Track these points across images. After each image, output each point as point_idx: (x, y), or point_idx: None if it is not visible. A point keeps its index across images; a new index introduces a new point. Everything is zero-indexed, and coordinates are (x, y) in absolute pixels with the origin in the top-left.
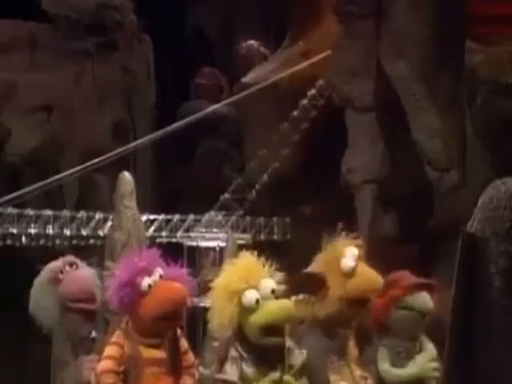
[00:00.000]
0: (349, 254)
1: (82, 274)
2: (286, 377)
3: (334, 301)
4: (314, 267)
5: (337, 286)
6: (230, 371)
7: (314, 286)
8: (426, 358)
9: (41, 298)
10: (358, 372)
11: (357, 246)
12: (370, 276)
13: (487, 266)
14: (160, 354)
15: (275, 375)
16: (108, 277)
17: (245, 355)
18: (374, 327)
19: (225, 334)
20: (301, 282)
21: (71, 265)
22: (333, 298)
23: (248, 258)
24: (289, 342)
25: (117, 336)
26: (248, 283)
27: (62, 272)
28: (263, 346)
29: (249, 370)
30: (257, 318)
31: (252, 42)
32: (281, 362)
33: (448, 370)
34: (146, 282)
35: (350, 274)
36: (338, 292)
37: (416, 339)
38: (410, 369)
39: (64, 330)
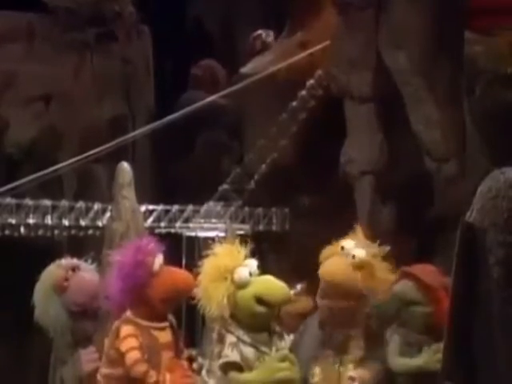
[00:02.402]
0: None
1: (86, 278)
2: (290, 355)
3: None
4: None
5: None
6: (231, 354)
7: None
8: (433, 350)
9: (46, 306)
10: (350, 373)
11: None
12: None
13: (486, 256)
14: (170, 337)
15: (283, 353)
16: (110, 264)
17: (243, 337)
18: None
19: (218, 319)
20: None
21: (73, 269)
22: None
23: (226, 246)
24: (277, 327)
25: (126, 329)
26: (237, 261)
27: (66, 279)
28: (259, 318)
29: (248, 351)
30: (253, 290)
31: (260, 31)
32: (277, 336)
33: (447, 360)
34: (158, 261)
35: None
36: None
37: (424, 329)
38: (416, 360)
39: (69, 332)
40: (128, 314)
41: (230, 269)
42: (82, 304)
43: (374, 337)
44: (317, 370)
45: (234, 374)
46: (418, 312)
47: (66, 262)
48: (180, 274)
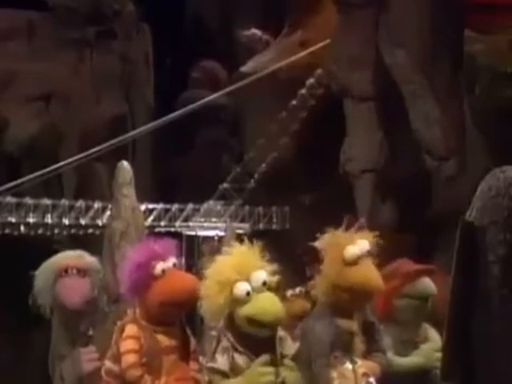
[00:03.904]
0: (359, 243)
1: (77, 284)
2: (282, 371)
3: (329, 287)
4: (318, 244)
5: (333, 270)
6: (221, 360)
7: (309, 257)
8: (431, 348)
9: (42, 286)
10: (361, 370)
11: (369, 241)
12: (371, 271)
13: (485, 254)
14: (175, 341)
15: (266, 358)
16: (122, 259)
17: (236, 345)
18: (378, 317)
19: (216, 322)
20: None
21: (79, 270)
22: (328, 284)
23: (241, 249)
24: (281, 332)
25: (130, 329)
26: (240, 274)
27: (66, 271)
28: (253, 336)
29: (240, 359)
30: (246, 310)
31: (254, 30)
32: (271, 351)
33: (446, 357)
34: (160, 266)
35: (352, 261)
36: (333, 276)
37: (420, 326)
38: (415, 358)
39: (61, 324)
40: (137, 312)
41: (232, 281)
42: (64, 304)
43: (371, 329)
44: (334, 375)
45: (217, 380)
46: (431, 303)
47: (81, 258)
48: (181, 280)
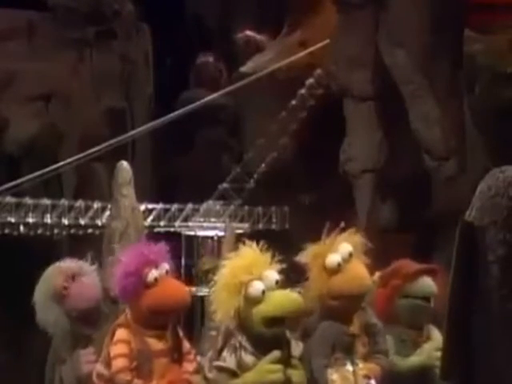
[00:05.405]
0: (340, 249)
1: (85, 285)
2: (289, 371)
3: (319, 298)
4: (301, 258)
5: (318, 281)
6: (229, 359)
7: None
8: (432, 347)
9: (46, 313)
10: (362, 372)
11: (352, 242)
12: (355, 274)
13: (485, 254)
14: (166, 344)
15: (276, 354)
16: (114, 262)
17: (245, 344)
18: (380, 318)
19: (229, 324)
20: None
21: (73, 277)
22: (314, 294)
23: (249, 250)
24: (287, 333)
25: (120, 333)
26: (253, 274)
27: (65, 288)
28: (265, 336)
29: (248, 358)
30: (263, 309)
31: (247, 32)
32: (281, 350)
33: (445, 359)
34: (152, 274)
35: (335, 269)
36: (319, 288)
37: (422, 326)
38: (416, 357)
39: (69, 335)
40: (128, 315)
41: (246, 282)
42: (82, 310)
43: (373, 331)
44: (334, 376)
45: (225, 378)
46: (433, 303)
47: (66, 267)
48: (173, 289)
